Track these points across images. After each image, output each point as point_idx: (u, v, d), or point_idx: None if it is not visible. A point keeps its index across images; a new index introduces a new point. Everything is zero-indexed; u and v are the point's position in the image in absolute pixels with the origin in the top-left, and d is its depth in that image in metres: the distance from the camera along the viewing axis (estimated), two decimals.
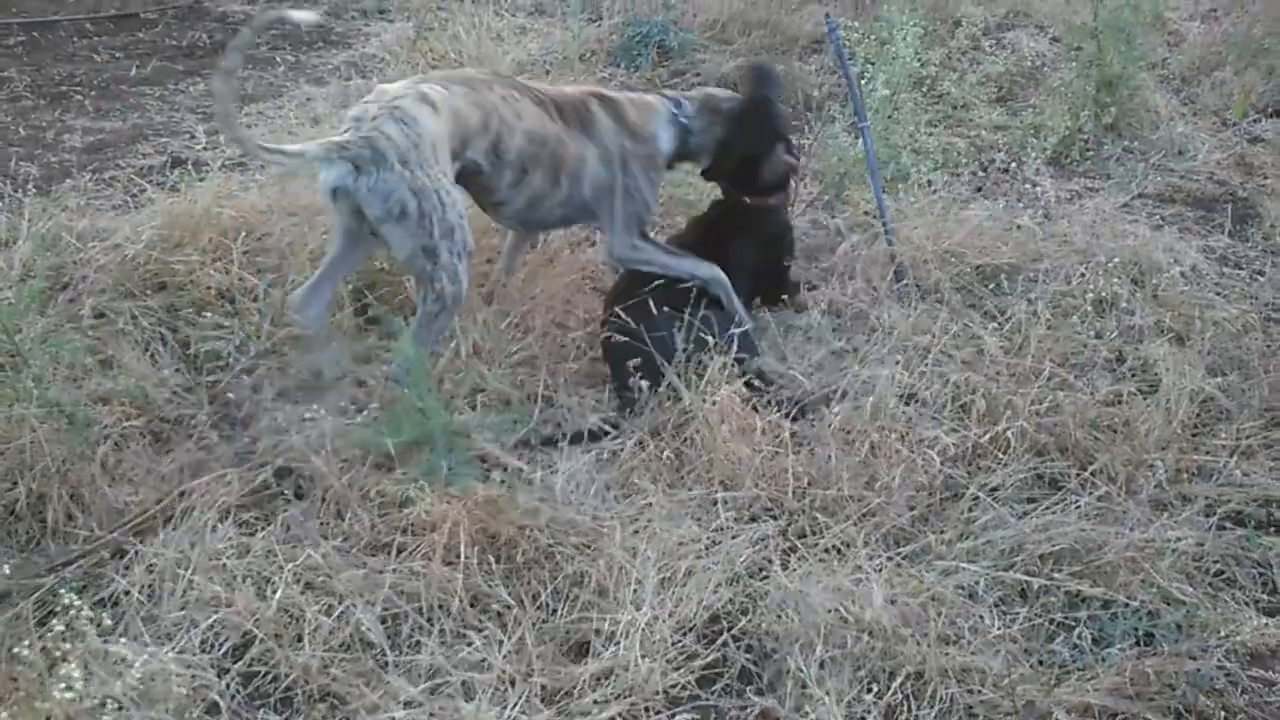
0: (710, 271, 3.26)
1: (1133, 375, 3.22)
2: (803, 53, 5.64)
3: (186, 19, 6.45)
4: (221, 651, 2.35)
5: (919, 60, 4.48)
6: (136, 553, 2.56)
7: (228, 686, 2.27)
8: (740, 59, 5.60)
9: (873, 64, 4.35)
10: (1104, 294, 3.48)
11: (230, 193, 3.72)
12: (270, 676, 2.31)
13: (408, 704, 2.21)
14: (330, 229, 3.14)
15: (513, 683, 2.26)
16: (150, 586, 2.48)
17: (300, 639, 2.35)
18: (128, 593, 2.46)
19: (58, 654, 2.10)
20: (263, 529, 2.65)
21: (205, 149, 4.61)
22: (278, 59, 5.86)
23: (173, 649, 2.31)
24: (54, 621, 2.23)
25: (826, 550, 2.59)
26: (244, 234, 3.45)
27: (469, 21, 5.79)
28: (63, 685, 1.99)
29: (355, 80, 5.37)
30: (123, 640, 2.27)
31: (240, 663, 2.33)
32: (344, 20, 6.39)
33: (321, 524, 2.66)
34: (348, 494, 2.70)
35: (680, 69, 5.58)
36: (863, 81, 4.19)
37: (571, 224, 3.49)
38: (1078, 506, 2.70)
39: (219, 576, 2.48)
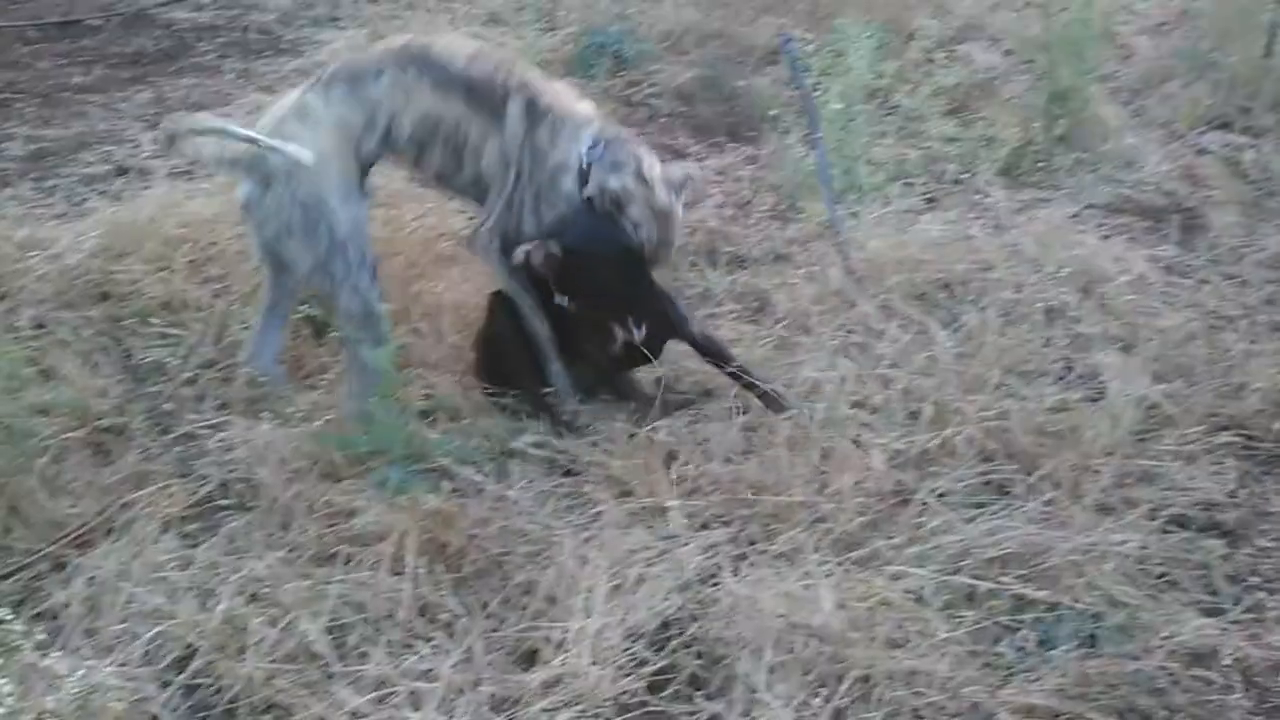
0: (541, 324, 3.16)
1: (1081, 382, 3.29)
2: (757, 64, 5.70)
3: (132, 26, 6.43)
4: (164, 664, 2.35)
5: (873, 73, 4.56)
6: (77, 565, 2.56)
7: (170, 699, 2.27)
8: (696, 70, 5.66)
9: (827, 76, 4.42)
10: (1053, 303, 3.56)
11: (175, 202, 3.72)
12: (214, 689, 2.32)
13: (354, 714, 2.23)
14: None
15: (461, 691, 2.28)
16: (90, 600, 2.48)
17: (244, 651, 2.35)
18: (67, 606, 2.46)
19: None
20: (207, 540, 2.66)
21: (150, 157, 4.61)
22: (225, 66, 5.85)
23: (112, 663, 2.31)
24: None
25: (777, 557, 2.62)
26: (188, 244, 3.45)
27: (422, 30, 5.81)
28: None
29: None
30: (59, 654, 2.28)
31: (183, 675, 2.33)
32: (294, 28, 6.39)
33: (267, 535, 2.67)
34: (293, 505, 2.71)
35: (636, 79, 5.62)
36: (816, 94, 4.25)
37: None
38: (1024, 511, 2.75)
39: (161, 589, 2.49)
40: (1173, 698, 2.30)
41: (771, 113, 4.57)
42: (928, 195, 4.38)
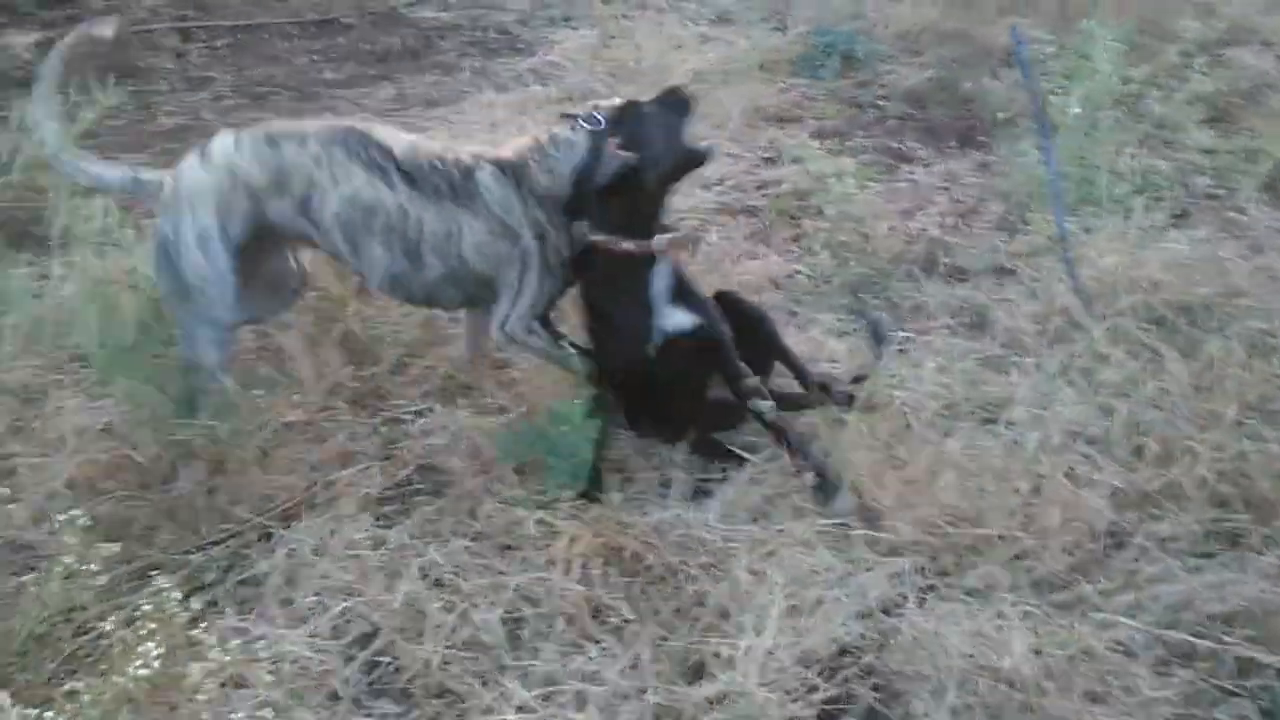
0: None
1: None
2: (996, 66, 5.46)
3: (382, 24, 6.73)
4: (349, 639, 2.42)
5: (1121, 77, 4.27)
6: (280, 537, 2.67)
7: (351, 674, 2.34)
8: (930, 71, 5.47)
9: (1069, 79, 4.18)
10: None
11: None
12: (393, 668, 2.37)
13: (521, 708, 2.23)
14: None
15: (626, 698, 2.25)
16: (288, 571, 2.58)
17: (422, 634, 2.40)
18: (268, 575, 2.57)
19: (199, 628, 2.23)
20: (400, 522, 2.73)
21: None
22: (463, 64, 6.05)
23: (304, 633, 2.40)
24: (194, 599, 2.38)
25: (969, 592, 2.48)
26: None
27: (651, 30, 5.86)
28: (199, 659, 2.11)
29: (535, 87, 5.50)
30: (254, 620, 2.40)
31: (366, 651, 2.40)
32: (530, 28, 6.55)
33: (455, 522, 2.71)
34: (481, 495, 2.75)
35: (865, 80, 5.49)
36: (1055, 97, 4.02)
37: (481, 304, 3.06)
38: (1258, 565, 2.51)
39: (353, 566, 2.57)
40: None
41: (1002, 116, 4.34)
42: (1175, 211, 4.07)
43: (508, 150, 2.94)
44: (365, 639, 2.42)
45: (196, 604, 2.30)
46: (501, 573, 2.54)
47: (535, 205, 2.87)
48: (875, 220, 4.07)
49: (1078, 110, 3.91)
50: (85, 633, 2.30)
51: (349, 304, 3.38)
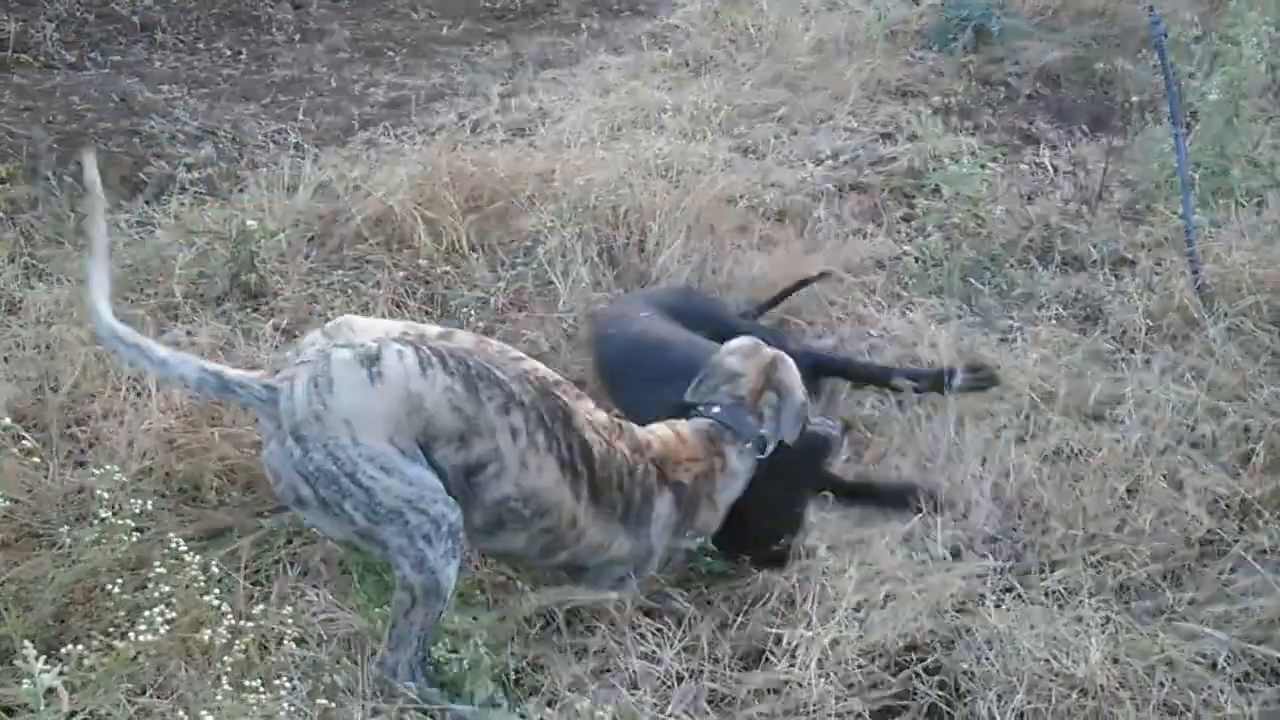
0: None
1: None
2: (1137, 47, 5.29)
3: None
4: None
5: (1268, 64, 4.12)
6: None
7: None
8: (1067, 49, 5.34)
9: (1211, 64, 4.05)
10: None
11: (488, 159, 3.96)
12: (449, 632, 2.42)
13: (573, 685, 2.29)
14: None
15: (680, 679, 2.29)
16: None
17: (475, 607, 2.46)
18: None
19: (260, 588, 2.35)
20: None
21: (496, 112, 4.91)
22: (582, 25, 6.11)
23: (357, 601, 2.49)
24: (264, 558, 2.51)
25: (1049, 594, 2.46)
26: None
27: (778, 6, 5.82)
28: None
29: (652, 52, 5.52)
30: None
31: None
32: None
33: None
34: None
35: (997, 56, 5.38)
36: (1193, 82, 3.91)
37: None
38: None
39: None
40: None
41: (1135, 98, 4.23)
42: None
43: (684, 471, 2.48)
44: None
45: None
46: None
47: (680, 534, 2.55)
48: (992, 203, 4.02)
49: (1216, 97, 3.77)
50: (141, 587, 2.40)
51: (436, 265, 3.48)
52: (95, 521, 2.32)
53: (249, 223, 3.45)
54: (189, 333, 3.16)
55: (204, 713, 1.92)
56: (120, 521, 2.31)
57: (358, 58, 5.72)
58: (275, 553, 2.59)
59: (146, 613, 2.07)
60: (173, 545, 2.23)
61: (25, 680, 1.76)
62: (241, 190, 3.95)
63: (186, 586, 2.22)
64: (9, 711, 2.05)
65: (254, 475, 2.74)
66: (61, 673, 1.84)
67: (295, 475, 2.13)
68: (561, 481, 2.28)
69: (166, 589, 2.17)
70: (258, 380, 2.16)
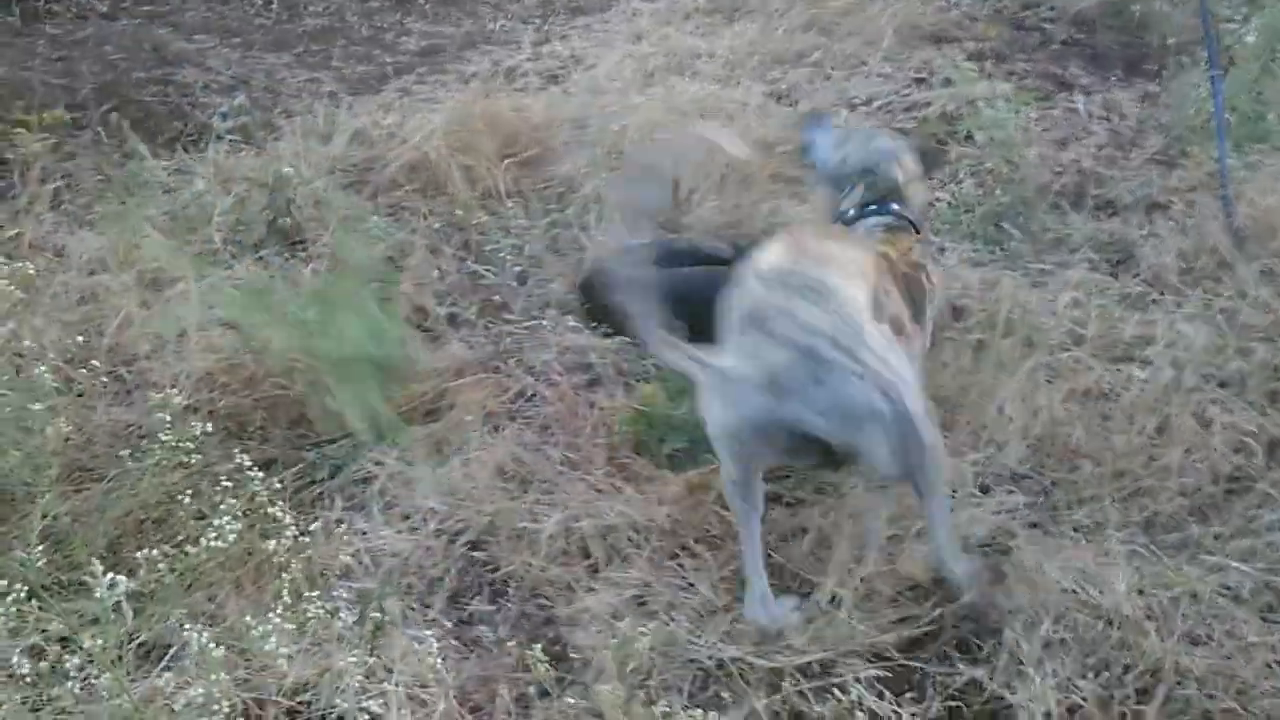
0: None
1: None
2: None
3: None
4: (449, 539, 2.59)
5: None
6: (394, 440, 2.86)
7: (447, 570, 2.53)
8: None
9: (1249, 7, 4.06)
10: None
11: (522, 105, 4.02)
12: (490, 567, 2.55)
13: (614, 615, 2.38)
14: None
15: (714, 612, 2.38)
16: (399, 474, 2.77)
17: (521, 539, 2.57)
18: (376, 477, 2.76)
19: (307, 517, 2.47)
20: (510, 433, 2.89)
21: (529, 59, 4.97)
22: None
23: (405, 530, 2.60)
24: (307, 491, 2.62)
25: (1077, 528, 2.53)
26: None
27: None
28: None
29: None
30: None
31: (460, 547, 2.58)
32: None
33: (560, 439, 2.86)
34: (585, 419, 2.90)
35: (1032, 1, 5.39)
36: (1231, 25, 3.92)
37: None
38: None
39: (462, 474, 2.74)
40: None
41: (1171, 41, 4.24)
42: None
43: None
44: (467, 542, 2.59)
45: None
46: (600, 490, 2.68)
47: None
48: (1026, 148, 4.04)
49: (1252, 39, 3.79)
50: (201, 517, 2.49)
51: (472, 212, 3.55)
52: (156, 447, 2.44)
53: (285, 169, 3.55)
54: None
55: (263, 622, 2.04)
56: (180, 444, 2.44)
57: (388, 6, 5.79)
58: (321, 485, 2.70)
59: (216, 521, 2.20)
60: (236, 461, 2.37)
61: (98, 590, 1.87)
62: (277, 139, 4.04)
63: (251, 499, 2.35)
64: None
65: (296, 412, 2.87)
66: (128, 587, 1.93)
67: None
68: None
69: (233, 501, 2.29)
70: None
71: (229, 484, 2.39)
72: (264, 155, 3.81)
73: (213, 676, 1.90)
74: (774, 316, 2.17)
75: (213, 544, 2.18)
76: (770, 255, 2.33)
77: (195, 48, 4.94)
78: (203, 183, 3.62)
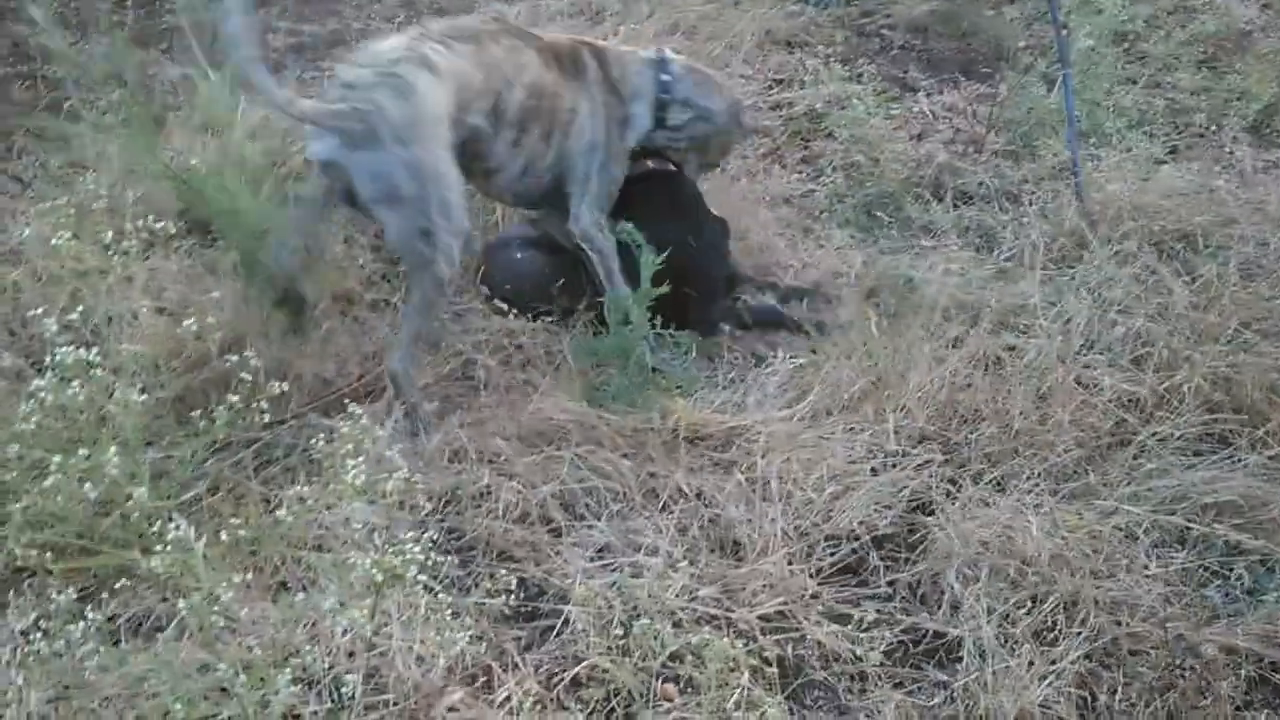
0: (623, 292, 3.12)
1: None
2: (998, 1, 5.68)
3: None
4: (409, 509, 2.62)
5: (1125, 15, 4.51)
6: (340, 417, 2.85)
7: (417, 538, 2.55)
8: (934, 2, 5.65)
9: (1072, 15, 4.40)
10: None
11: None
12: (456, 534, 2.61)
13: (585, 572, 2.49)
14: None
15: (674, 568, 2.50)
16: (348, 452, 2.76)
17: (480, 507, 2.64)
18: (330, 455, 2.75)
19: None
20: (451, 413, 2.94)
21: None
22: None
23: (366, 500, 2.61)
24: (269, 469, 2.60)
25: (989, 483, 2.76)
26: None
27: None
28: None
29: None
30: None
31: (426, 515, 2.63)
32: None
33: (504, 414, 2.93)
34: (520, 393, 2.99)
35: (870, 9, 5.66)
36: (1065, 32, 4.26)
37: (553, 196, 3.23)
38: (1246, 464, 2.82)
39: (409, 450, 2.76)
40: None
41: (1016, 45, 4.57)
42: (1170, 145, 4.35)
43: (587, 38, 3.31)
44: (427, 511, 2.64)
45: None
46: (551, 456, 2.77)
47: (608, 91, 3.17)
48: (885, 144, 4.29)
49: (1087, 44, 4.14)
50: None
51: None
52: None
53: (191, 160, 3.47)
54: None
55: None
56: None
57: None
58: (279, 463, 2.72)
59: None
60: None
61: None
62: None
63: None
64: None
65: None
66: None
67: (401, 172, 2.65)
68: (540, 62, 3.01)
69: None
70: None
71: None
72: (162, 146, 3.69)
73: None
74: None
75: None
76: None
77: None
78: (105, 176, 3.49)
